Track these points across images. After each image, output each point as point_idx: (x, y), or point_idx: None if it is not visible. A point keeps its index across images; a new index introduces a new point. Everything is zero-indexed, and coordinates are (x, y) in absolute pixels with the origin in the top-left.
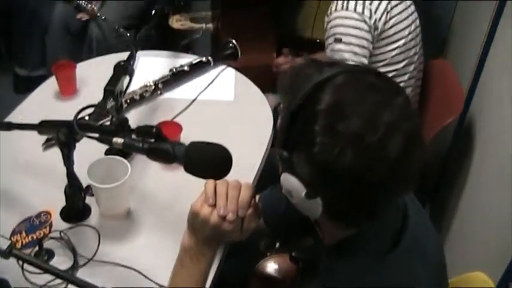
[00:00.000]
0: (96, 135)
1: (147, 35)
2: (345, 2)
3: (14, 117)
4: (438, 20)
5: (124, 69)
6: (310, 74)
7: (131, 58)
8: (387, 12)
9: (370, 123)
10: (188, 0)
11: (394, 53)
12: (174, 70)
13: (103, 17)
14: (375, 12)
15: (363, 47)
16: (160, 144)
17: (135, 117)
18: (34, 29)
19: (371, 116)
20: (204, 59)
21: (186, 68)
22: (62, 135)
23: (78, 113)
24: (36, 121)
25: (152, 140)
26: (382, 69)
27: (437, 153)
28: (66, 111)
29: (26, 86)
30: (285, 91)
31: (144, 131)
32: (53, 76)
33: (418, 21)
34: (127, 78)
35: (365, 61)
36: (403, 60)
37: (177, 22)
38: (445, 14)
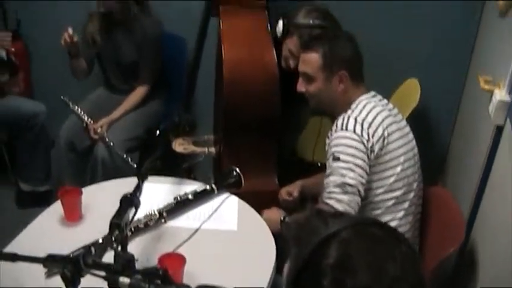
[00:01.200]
0: (102, 273)
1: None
2: (345, 122)
3: (19, 242)
4: (435, 145)
5: (130, 202)
6: (317, 227)
7: (137, 190)
8: (384, 138)
9: (376, 277)
10: (193, 126)
11: (391, 180)
12: (179, 198)
13: (111, 143)
14: (372, 136)
15: (360, 166)
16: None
17: (139, 246)
18: (40, 144)
19: (377, 270)
20: (208, 187)
21: (190, 196)
22: (68, 271)
23: (86, 250)
24: (41, 247)
25: (159, 282)
26: (382, 197)
27: (439, 283)
28: (71, 237)
29: (29, 201)
30: (292, 242)
31: (150, 272)
32: (59, 201)
33: (416, 149)
34: (133, 210)
35: (362, 180)
36: (402, 187)
37: (179, 146)
38: (442, 139)
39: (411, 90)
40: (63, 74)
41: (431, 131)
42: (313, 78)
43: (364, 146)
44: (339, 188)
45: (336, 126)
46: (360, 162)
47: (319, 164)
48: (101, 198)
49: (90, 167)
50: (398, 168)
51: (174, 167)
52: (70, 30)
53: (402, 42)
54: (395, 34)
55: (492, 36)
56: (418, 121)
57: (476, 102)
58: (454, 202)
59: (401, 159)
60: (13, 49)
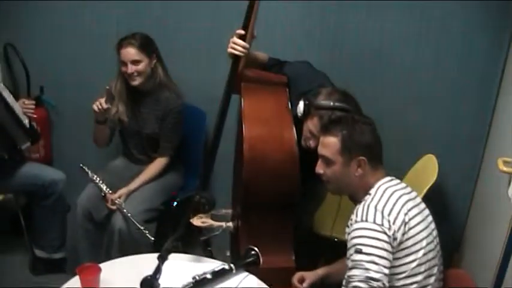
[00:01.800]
0: None
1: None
2: (364, 213)
3: None
4: (452, 223)
5: (150, 285)
6: None
7: (157, 272)
8: (405, 224)
9: None
10: (212, 205)
11: (414, 264)
12: (197, 278)
13: (128, 214)
14: (393, 223)
15: (384, 257)
16: None
17: None
18: (57, 212)
19: None
20: (226, 266)
21: (208, 275)
22: None
23: None
24: None
25: None
26: (404, 281)
27: None
28: None
29: (43, 268)
30: None
31: None
32: (77, 276)
33: (435, 232)
34: None
35: (386, 271)
36: (424, 271)
37: (197, 219)
38: (458, 218)
39: (428, 166)
40: (83, 140)
41: (447, 208)
42: (332, 161)
43: (387, 235)
44: (364, 283)
45: (356, 215)
46: (383, 253)
47: (336, 239)
48: (119, 274)
49: (106, 238)
50: (421, 253)
51: (192, 240)
52: (104, 99)
53: (419, 118)
54: (412, 109)
55: (510, 116)
56: (434, 197)
57: (495, 182)
58: (473, 285)
59: (424, 243)
60: (35, 115)
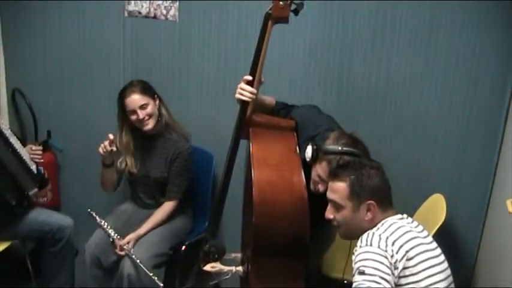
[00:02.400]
0: None
1: None
2: (369, 239)
3: None
4: (461, 262)
5: None
6: None
7: None
8: (408, 258)
9: None
10: (222, 252)
11: None
12: None
13: (137, 260)
14: (397, 253)
15: (385, 279)
16: None
17: None
18: (65, 257)
19: None
20: None
21: None
22: None
23: None
24: None
25: None
26: None
27: None
28: None
29: None
30: None
31: None
32: None
33: (448, 271)
34: None
35: None
36: None
37: (207, 264)
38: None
39: (437, 205)
40: (91, 184)
41: (456, 246)
42: (342, 206)
43: (388, 261)
44: None
45: (361, 241)
46: (384, 275)
47: (345, 281)
48: None
49: (115, 283)
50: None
51: (201, 285)
52: (111, 136)
53: (426, 158)
54: (419, 150)
55: None
56: (443, 236)
57: (503, 221)
58: None
59: (435, 278)
60: (43, 160)
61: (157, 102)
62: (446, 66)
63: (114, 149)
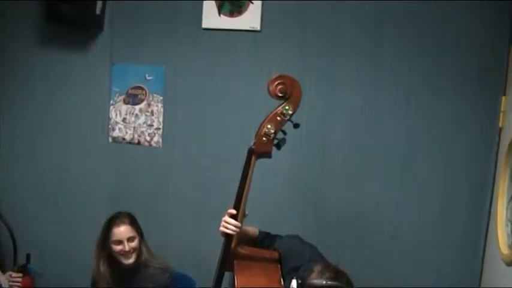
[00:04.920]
0: None
1: None
2: None
3: None
4: None
5: None
6: None
7: None
8: None
9: None
10: None
11: None
12: None
13: None
14: None
15: None
16: None
17: None
18: None
19: None
20: None
21: None
22: None
23: None
24: None
25: None
26: None
27: None
28: None
29: None
30: None
31: None
32: None
33: None
34: None
35: None
36: None
37: None
38: None
39: None
40: None
41: None
42: None
43: None
44: None
45: None
46: None
47: None
48: None
49: None
50: None
51: None
52: None
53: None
54: (399, 268)
55: None
56: None
57: None
58: None
59: None
60: (21, 286)
61: (140, 238)
62: (423, 186)
63: None
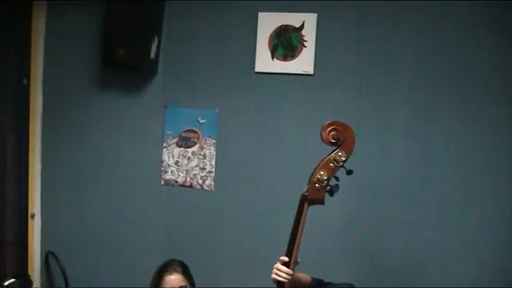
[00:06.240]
0: None
1: None
2: None
3: None
4: None
5: None
6: None
7: None
8: None
9: None
10: None
11: None
12: None
13: None
14: None
15: None
16: None
17: None
18: None
19: None
20: None
21: None
22: None
23: None
24: None
25: None
26: None
27: None
28: None
29: None
30: None
31: None
32: None
33: None
34: None
35: None
36: None
37: None
38: None
39: None
40: None
41: None
42: None
43: None
44: None
45: None
46: None
47: None
48: None
49: None
50: None
51: None
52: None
53: None
54: None
55: None
56: None
57: None
58: None
59: None
60: None
61: None
62: (477, 239)
63: None
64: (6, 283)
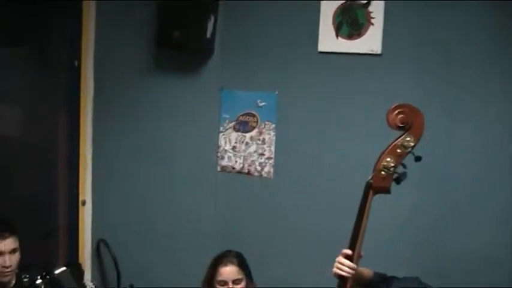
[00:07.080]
0: None
1: None
2: None
3: None
4: None
5: None
6: None
7: None
8: None
9: None
10: None
11: None
12: None
13: None
14: None
15: None
16: None
17: None
18: None
19: None
20: None
21: None
22: None
23: None
24: None
25: None
26: None
27: None
28: None
29: None
30: None
31: None
32: None
33: None
34: None
35: None
36: None
37: None
38: None
39: None
40: None
41: None
42: None
43: None
44: None
45: None
46: None
47: None
48: None
49: None
50: None
51: None
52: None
53: None
54: None
55: None
56: None
57: None
58: None
59: None
60: None
61: (249, 281)
62: None
63: None
64: (57, 271)
